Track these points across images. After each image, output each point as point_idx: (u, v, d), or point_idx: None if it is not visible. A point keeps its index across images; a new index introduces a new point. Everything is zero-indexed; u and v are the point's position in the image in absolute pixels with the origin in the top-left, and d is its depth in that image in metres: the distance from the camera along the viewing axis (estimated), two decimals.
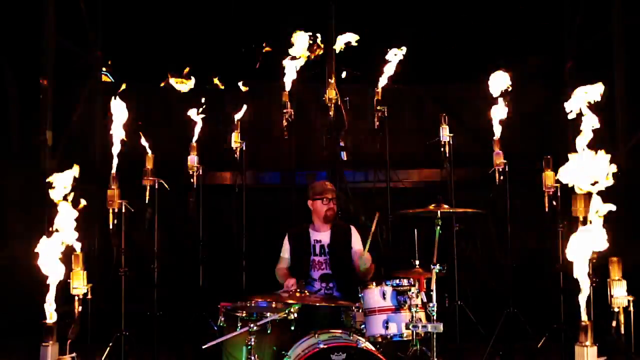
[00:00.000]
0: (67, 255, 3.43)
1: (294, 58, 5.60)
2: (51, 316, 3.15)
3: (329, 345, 3.50)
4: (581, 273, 2.72)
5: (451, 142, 5.37)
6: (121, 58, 7.67)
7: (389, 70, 5.60)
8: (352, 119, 6.70)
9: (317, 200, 4.62)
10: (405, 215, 4.43)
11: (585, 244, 2.72)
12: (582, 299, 2.71)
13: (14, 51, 6.56)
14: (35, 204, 6.37)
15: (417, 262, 4.02)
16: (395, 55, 5.57)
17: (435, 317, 3.55)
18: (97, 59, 7.52)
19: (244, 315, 3.59)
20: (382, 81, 5.64)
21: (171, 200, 5.63)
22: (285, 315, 3.51)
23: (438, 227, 3.82)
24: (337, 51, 5.68)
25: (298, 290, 3.88)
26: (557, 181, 4.76)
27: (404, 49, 5.55)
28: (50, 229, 3.31)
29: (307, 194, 4.70)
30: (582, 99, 2.93)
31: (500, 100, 5.18)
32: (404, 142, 7.12)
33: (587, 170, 2.74)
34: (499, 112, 5.21)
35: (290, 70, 5.64)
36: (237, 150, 5.62)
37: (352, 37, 5.64)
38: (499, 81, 5.18)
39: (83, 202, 3.48)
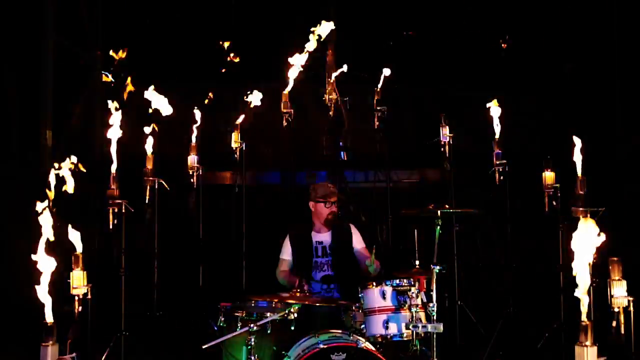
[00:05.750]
0: (67, 256, 3.43)
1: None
2: (51, 316, 3.15)
3: (329, 345, 3.50)
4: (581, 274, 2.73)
5: (451, 142, 5.37)
6: (121, 58, 7.67)
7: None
8: (352, 119, 6.71)
9: (320, 203, 4.62)
10: (405, 215, 4.43)
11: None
12: (583, 299, 2.71)
13: (14, 51, 6.55)
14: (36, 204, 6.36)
15: (417, 262, 4.03)
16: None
17: (435, 317, 3.55)
18: (97, 59, 7.52)
19: (244, 315, 3.60)
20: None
21: (171, 200, 5.63)
22: (285, 315, 3.52)
23: (438, 227, 3.83)
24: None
25: (303, 290, 3.88)
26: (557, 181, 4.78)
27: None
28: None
29: (310, 195, 4.70)
30: None
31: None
32: (404, 142, 7.12)
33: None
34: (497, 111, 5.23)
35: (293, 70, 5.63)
36: (237, 150, 5.62)
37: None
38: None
39: None
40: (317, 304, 3.91)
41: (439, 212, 3.86)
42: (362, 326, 3.72)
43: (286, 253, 4.68)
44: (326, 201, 4.59)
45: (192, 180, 5.41)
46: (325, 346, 3.48)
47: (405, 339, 3.56)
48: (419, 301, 3.56)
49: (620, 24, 6.65)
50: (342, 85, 5.96)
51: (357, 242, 4.67)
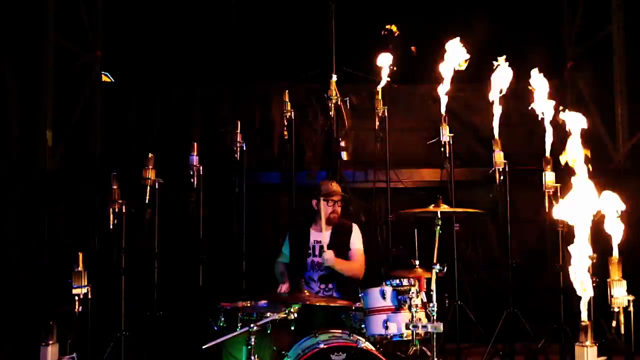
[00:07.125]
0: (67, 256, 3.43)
1: None
2: (51, 316, 3.15)
3: (329, 345, 3.50)
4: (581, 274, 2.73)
5: (451, 142, 5.36)
6: (121, 58, 7.67)
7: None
8: (353, 119, 6.71)
9: (323, 201, 4.62)
10: (405, 215, 4.43)
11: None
12: (582, 298, 2.72)
13: (14, 51, 6.55)
14: (36, 204, 6.36)
15: (417, 262, 4.02)
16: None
17: (435, 317, 3.55)
18: (97, 59, 7.52)
19: (244, 315, 3.60)
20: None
21: (171, 200, 5.63)
22: (285, 315, 3.52)
23: (438, 227, 3.82)
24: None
25: (298, 289, 3.88)
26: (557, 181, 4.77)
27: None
28: None
29: (314, 193, 4.69)
30: None
31: (497, 100, 5.12)
32: (404, 142, 7.11)
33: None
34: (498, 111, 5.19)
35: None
36: (237, 150, 5.62)
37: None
38: (501, 78, 4.96)
39: None
40: (317, 304, 3.91)
41: (439, 212, 3.86)
42: (362, 326, 3.72)
43: (286, 247, 4.74)
44: (328, 199, 4.59)
45: (192, 180, 5.40)
46: (325, 346, 3.48)
47: (405, 339, 3.56)
48: (419, 301, 3.56)
49: None
50: (343, 85, 5.97)
51: (355, 242, 4.65)
